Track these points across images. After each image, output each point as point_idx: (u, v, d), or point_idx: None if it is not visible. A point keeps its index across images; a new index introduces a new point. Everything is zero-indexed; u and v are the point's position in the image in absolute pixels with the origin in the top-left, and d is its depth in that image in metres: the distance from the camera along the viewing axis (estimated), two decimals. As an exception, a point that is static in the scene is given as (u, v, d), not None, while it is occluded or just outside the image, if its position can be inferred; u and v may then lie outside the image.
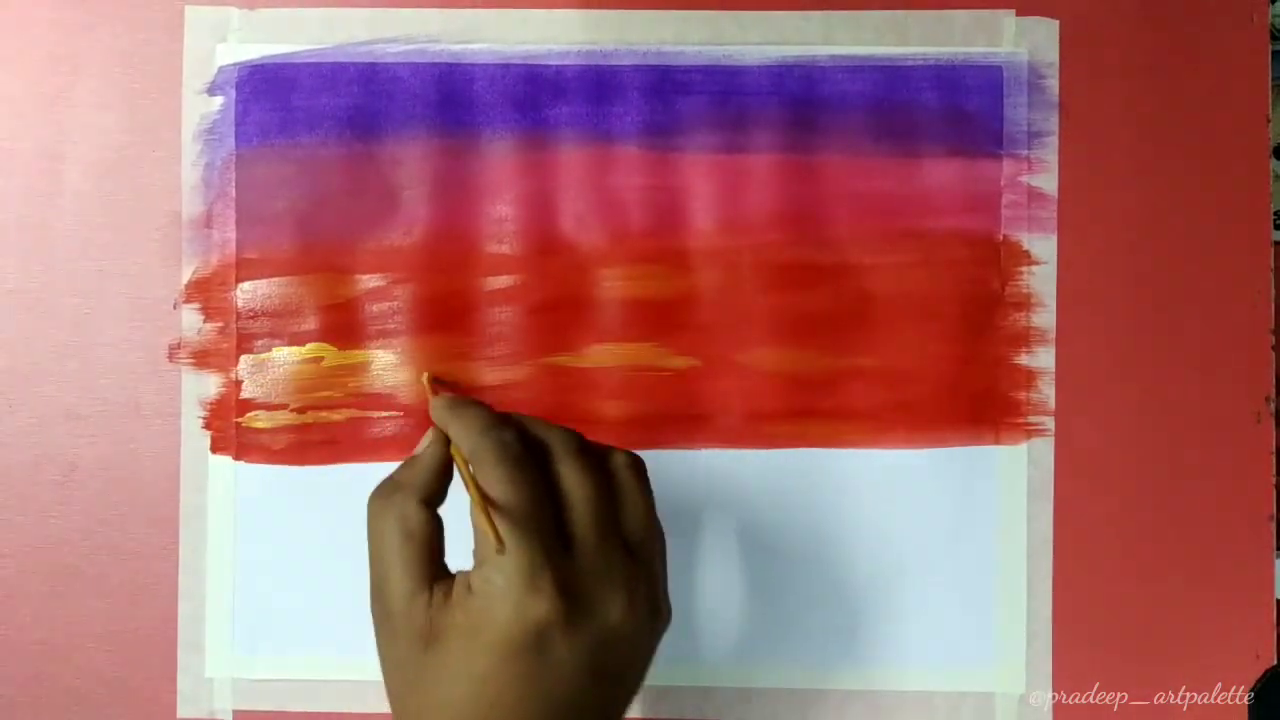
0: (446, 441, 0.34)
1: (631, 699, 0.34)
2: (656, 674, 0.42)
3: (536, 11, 0.43)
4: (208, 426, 0.43)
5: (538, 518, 0.31)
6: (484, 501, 0.31)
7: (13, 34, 0.43)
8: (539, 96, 0.43)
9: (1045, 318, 0.43)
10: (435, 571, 0.32)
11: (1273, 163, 0.43)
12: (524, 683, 0.30)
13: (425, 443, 0.34)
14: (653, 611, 0.33)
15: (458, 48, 0.43)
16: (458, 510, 0.32)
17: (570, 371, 0.43)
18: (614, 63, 0.43)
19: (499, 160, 0.43)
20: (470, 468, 0.32)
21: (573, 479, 0.32)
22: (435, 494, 0.33)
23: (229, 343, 0.43)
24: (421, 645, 0.31)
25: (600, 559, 0.32)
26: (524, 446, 0.32)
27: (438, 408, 0.35)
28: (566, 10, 0.43)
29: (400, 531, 0.32)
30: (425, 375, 0.42)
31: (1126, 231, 0.43)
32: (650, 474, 0.35)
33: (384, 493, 0.33)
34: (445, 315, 0.43)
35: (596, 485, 0.33)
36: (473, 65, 0.43)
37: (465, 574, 0.31)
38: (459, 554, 0.33)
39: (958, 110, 0.43)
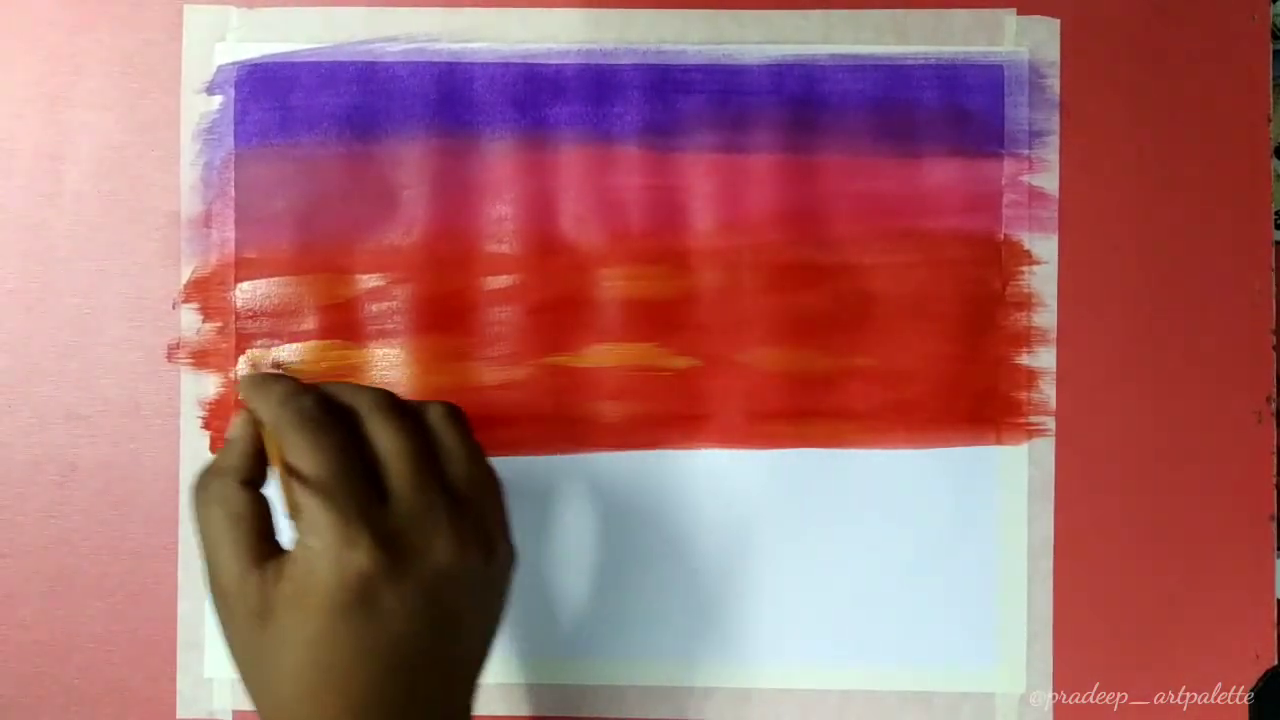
0: (257, 420, 0.34)
1: (486, 644, 0.34)
2: (656, 675, 0.42)
3: (536, 11, 0.43)
4: (207, 426, 0.43)
5: (345, 477, 0.31)
6: (285, 471, 0.31)
7: (12, 34, 0.43)
8: (539, 96, 0.43)
9: (1046, 317, 0.43)
10: (266, 549, 0.31)
11: (1273, 163, 0.43)
12: (357, 639, 0.30)
13: (237, 424, 0.34)
14: (487, 551, 0.33)
15: (457, 47, 0.43)
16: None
17: (570, 371, 0.43)
18: (614, 62, 0.43)
19: (499, 160, 0.43)
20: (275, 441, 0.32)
21: (382, 435, 0.32)
22: (255, 473, 0.33)
23: (228, 343, 0.43)
24: (257, 622, 0.31)
25: (420, 506, 0.32)
26: (325, 412, 0.32)
27: (242, 385, 0.34)
28: (566, 9, 0.43)
29: (225, 516, 0.31)
30: (250, 356, 0.42)
31: (1127, 231, 0.43)
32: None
33: (203, 481, 0.33)
34: (445, 315, 0.43)
35: (408, 437, 0.33)
36: (472, 64, 0.43)
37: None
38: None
39: (958, 109, 0.43)
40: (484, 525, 0.33)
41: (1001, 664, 0.43)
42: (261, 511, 0.32)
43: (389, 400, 0.34)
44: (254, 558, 0.31)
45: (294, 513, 0.31)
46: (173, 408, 0.43)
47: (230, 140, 0.43)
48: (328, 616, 0.30)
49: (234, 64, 0.43)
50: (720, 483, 0.43)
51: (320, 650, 0.30)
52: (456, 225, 0.43)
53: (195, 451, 0.43)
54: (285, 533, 0.32)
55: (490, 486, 0.35)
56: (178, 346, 0.43)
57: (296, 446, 0.31)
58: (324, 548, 0.30)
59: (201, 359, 0.43)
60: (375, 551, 0.30)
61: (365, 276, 0.43)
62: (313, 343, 0.43)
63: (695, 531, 0.43)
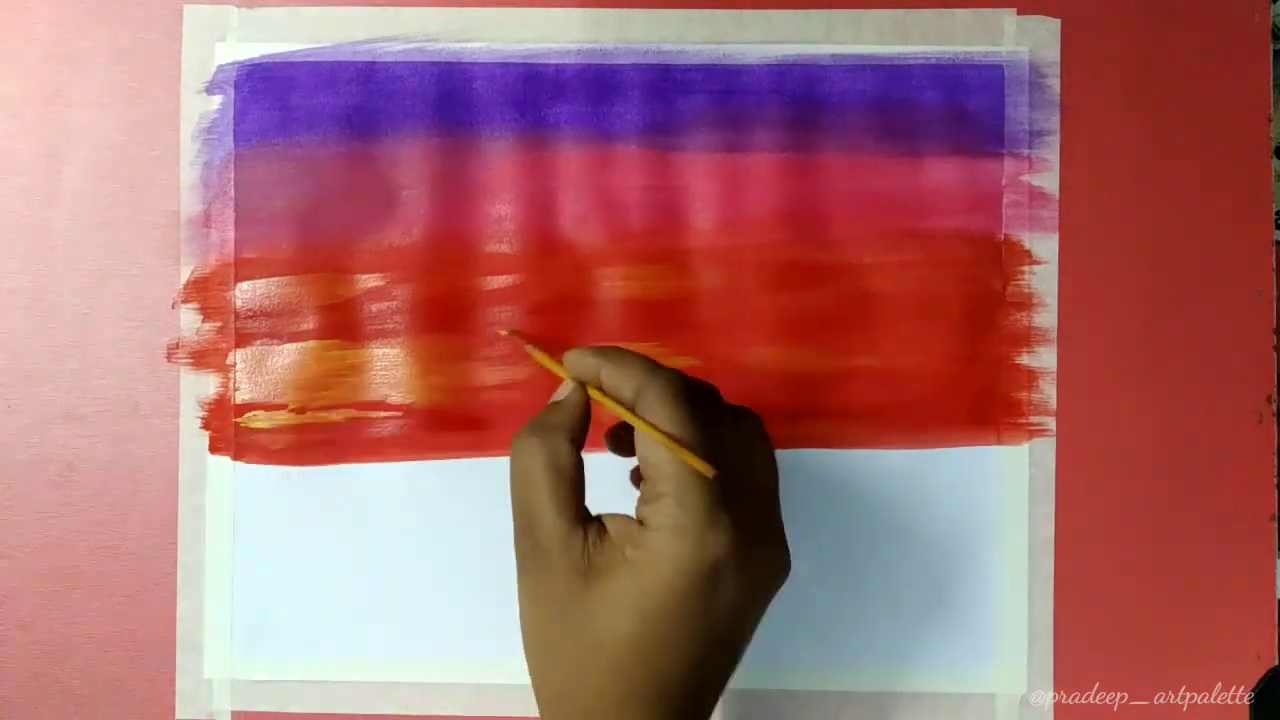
0: (585, 388, 0.33)
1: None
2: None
3: (536, 10, 0.43)
4: (206, 426, 0.43)
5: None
6: (669, 436, 0.30)
7: (11, 33, 0.43)
8: (539, 96, 0.43)
9: (1046, 317, 0.43)
10: (585, 511, 0.32)
11: (1273, 162, 0.43)
12: (693, 620, 0.30)
13: (566, 389, 0.34)
14: (788, 562, 0.34)
15: (457, 47, 0.43)
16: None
17: (570, 371, 0.43)
18: (614, 62, 0.43)
19: (499, 160, 0.43)
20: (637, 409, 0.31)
21: (726, 428, 0.33)
22: (581, 435, 0.33)
23: (228, 343, 0.43)
24: (582, 581, 0.30)
25: (759, 506, 0.32)
26: (688, 386, 0.32)
27: (579, 356, 0.34)
28: (566, 9, 0.43)
29: (553, 469, 0.31)
30: (509, 331, 0.42)
31: (1128, 231, 0.43)
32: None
33: (533, 431, 0.32)
34: (445, 315, 0.43)
35: (744, 437, 0.33)
36: (472, 64, 0.43)
37: (626, 515, 0.31)
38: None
39: (959, 109, 0.43)
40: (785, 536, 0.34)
41: (1002, 664, 0.43)
42: (582, 473, 0.32)
43: (721, 400, 0.34)
44: (577, 515, 0.31)
45: (650, 483, 0.30)
46: (172, 408, 0.43)
47: (230, 140, 0.43)
48: (674, 590, 0.29)
49: (234, 64, 0.43)
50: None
51: (655, 623, 0.30)
52: (456, 225, 0.43)
53: (194, 451, 0.43)
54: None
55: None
56: (177, 346, 0.43)
57: (668, 418, 0.31)
58: (689, 522, 0.29)
59: (201, 359, 0.43)
60: (734, 538, 0.30)
61: (365, 276, 0.43)
62: (312, 342, 0.43)
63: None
